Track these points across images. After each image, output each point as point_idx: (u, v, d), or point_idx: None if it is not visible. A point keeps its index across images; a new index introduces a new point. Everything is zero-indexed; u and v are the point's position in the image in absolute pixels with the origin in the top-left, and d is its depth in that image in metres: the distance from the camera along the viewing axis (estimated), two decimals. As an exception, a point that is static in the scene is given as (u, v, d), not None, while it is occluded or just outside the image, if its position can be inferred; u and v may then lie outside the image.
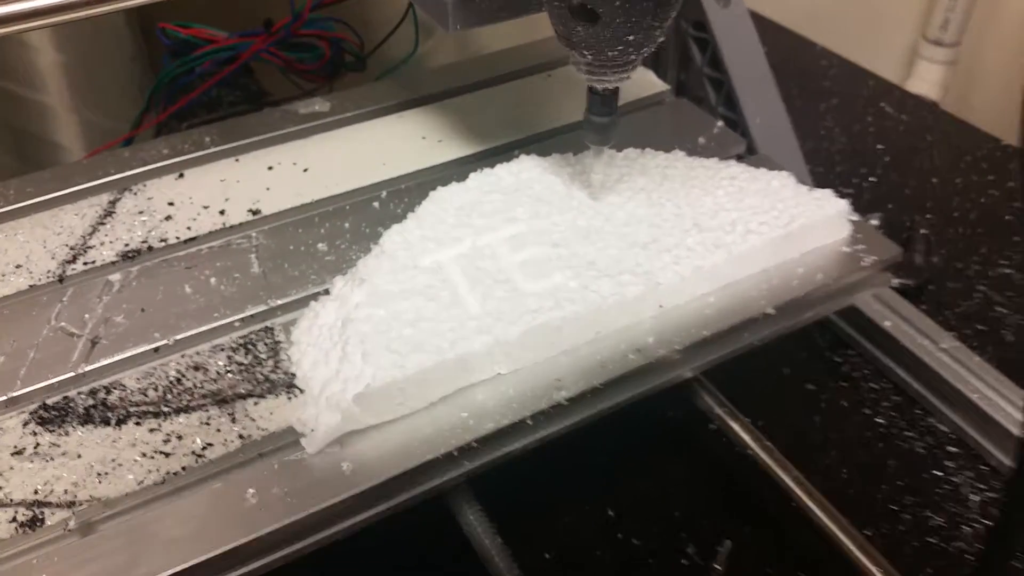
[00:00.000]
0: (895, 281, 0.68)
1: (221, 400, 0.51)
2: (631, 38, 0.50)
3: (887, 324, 0.65)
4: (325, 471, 0.47)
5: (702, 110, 0.77)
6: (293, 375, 0.52)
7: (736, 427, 0.57)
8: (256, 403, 0.51)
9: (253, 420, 0.50)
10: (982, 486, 0.57)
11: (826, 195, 0.62)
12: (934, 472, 0.58)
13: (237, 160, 0.70)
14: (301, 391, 0.52)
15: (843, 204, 0.62)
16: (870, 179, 0.85)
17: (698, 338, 0.55)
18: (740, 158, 0.69)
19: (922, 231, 0.77)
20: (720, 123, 0.74)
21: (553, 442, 0.51)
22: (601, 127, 0.58)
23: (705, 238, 0.58)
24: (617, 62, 0.52)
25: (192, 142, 0.71)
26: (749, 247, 0.58)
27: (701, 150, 0.70)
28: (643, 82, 0.78)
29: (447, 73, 0.81)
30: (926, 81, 1.48)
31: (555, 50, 0.82)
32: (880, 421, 0.62)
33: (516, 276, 0.56)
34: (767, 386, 0.64)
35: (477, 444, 0.49)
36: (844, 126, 0.92)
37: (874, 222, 0.73)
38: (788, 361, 0.67)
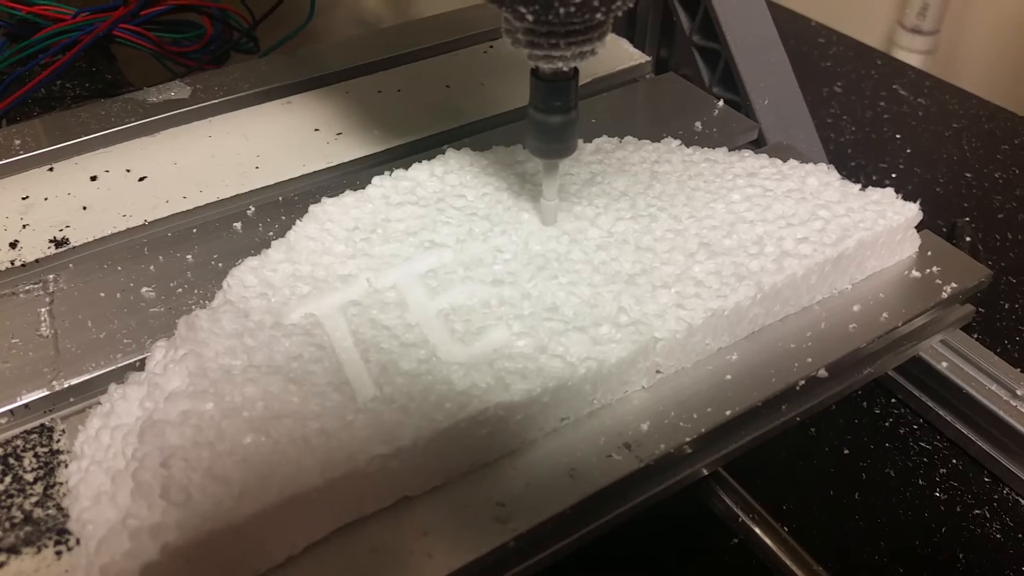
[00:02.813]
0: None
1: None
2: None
3: (943, 365, 0.48)
4: None
5: (694, 86, 0.58)
6: (67, 513, 0.32)
7: (769, 541, 0.39)
8: (3, 563, 0.31)
9: (-8, 596, 0.30)
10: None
11: (887, 196, 0.44)
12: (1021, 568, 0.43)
13: (51, 169, 0.51)
14: (78, 542, 0.31)
15: (913, 209, 0.43)
16: (892, 175, 0.71)
17: (718, 420, 0.36)
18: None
19: (967, 238, 0.58)
20: (721, 103, 0.55)
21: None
22: (551, 131, 0.38)
23: (720, 266, 0.39)
24: (574, 26, 0.34)
25: (-7, 146, 0.51)
26: (786, 277, 0.39)
27: (700, 139, 0.51)
28: (615, 53, 0.62)
29: (352, 47, 0.62)
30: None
31: (496, 15, 0.63)
32: (939, 495, 0.46)
33: (436, 335, 0.36)
34: (787, 453, 0.48)
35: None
36: (854, 113, 0.79)
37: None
38: (812, 417, 0.49)
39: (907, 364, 0.48)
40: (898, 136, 0.75)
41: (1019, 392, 0.46)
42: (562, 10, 0.32)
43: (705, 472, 0.38)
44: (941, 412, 0.49)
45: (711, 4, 0.57)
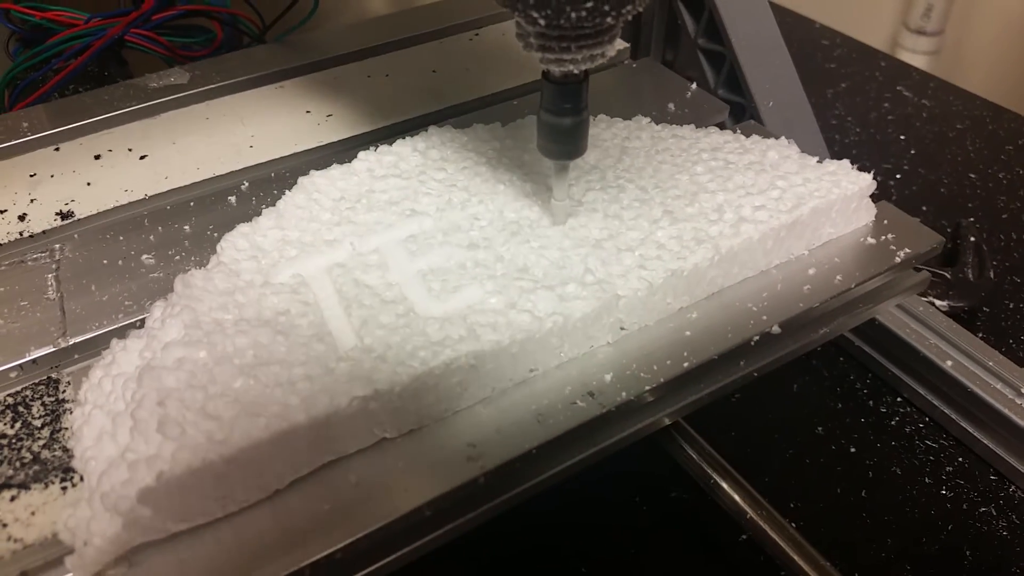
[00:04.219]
0: (942, 304, 0.53)
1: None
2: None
3: (948, 364, 0.49)
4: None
5: (670, 71, 0.60)
6: (72, 453, 0.35)
7: (777, 537, 0.40)
8: (14, 497, 0.34)
9: (5, 526, 0.33)
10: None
11: (842, 167, 0.46)
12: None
13: (57, 149, 0.53)
14: (82, 478, 0.34)
15: (866, 179, 0.45)
16: (896, 176, 0.71)
17: (676, 371, 0.39)
18: (721, 128, 0.52)
19: (971, 239, 0.59)
20: (694, 85, 0.57)
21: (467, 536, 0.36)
22: (561, 133, 0.39)
23: (681, 231, 0.42)
24: (585, 30, 0.35)
25: (2, 129, 0.54)
26: (743, 241, 0.42)
27: (672, 119, 0.54)
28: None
29: (343, 34, 0.64)
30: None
31: (482, 5, 0.66)
32: (945, 493, 0.47)
33: (414, 293, 0.39)
34: (794, 451, 0.49)
35: (341, 553, 0.32)
36: (858, 114, 0.79)
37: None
38: (819, 415, 0.51)
39: (915, 364, 0.50)
40: (902, 137, 0.75)
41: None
42: (573, 15, 0.33)
43: (667, 422, 0.41)
44: (947, 410, 0.49)
45: (716, 7, 0.57)
